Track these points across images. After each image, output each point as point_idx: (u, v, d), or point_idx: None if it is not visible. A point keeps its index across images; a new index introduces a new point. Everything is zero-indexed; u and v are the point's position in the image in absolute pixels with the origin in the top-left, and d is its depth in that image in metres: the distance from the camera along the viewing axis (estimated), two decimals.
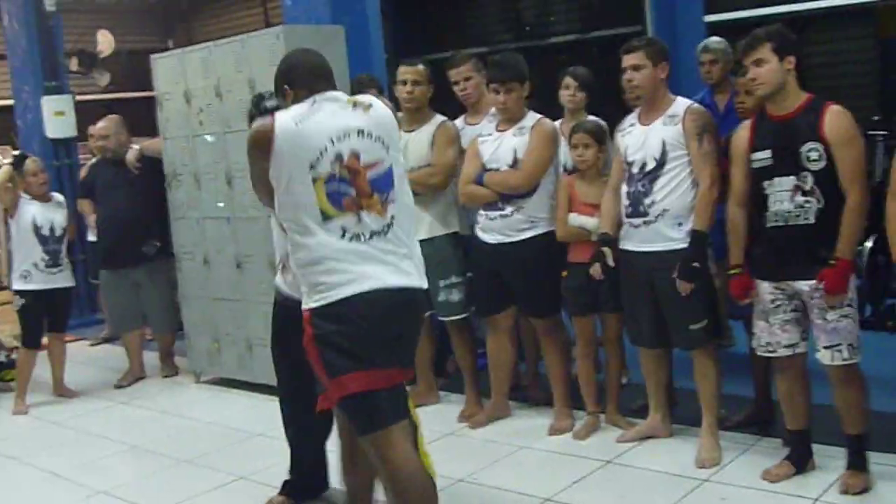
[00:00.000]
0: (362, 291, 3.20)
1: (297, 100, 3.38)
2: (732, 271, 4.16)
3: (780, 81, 3.91)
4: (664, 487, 4.21)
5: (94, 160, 7.42)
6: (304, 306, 3.28)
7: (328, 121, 3.27)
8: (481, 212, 5.03)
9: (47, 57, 9.13)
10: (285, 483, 4.39)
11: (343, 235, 3.23)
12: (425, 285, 3.42)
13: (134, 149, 6.85)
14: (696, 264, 4.29)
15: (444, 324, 5.52)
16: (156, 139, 6.80)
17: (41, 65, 9.06)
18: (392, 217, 3.31)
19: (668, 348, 4.67)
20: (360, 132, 3.29)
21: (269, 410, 5.81)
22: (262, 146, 3.26)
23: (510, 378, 5.35)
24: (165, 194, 6.67)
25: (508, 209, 4.90)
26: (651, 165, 4.40)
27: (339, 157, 3.23)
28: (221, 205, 6.21)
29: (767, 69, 3.90)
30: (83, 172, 8.28)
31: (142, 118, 7.31)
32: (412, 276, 3.34)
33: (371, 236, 3.26)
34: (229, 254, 6.26)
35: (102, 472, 5.09)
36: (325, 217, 3.24)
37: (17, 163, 6.47)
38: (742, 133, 4.12)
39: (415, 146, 5.25)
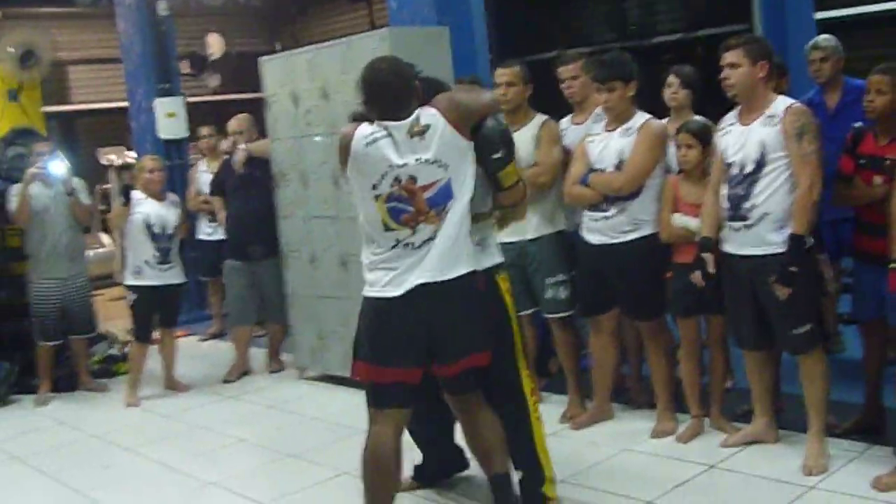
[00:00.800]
0: (391, 296, 3.65)
1: (370, 117, 3.68)
2: (892, 265, 4.00)
3: None
4: (769, 494, 4.14)
5: (226, 158, 7.53)
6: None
7: (390, 151, 3.60)
8: (586, 212, 5.02)
9: (160, 60, 9.41)
10: (416, 468, 4.53)
11: (395, 245, 3.66)
12: (462, 271, 3.69)
13: (241, 150, 6.99)
14: (794, 269, 4.19)
15: (545, 323, 5.51)
16: (263, 140, 6.95)
17: (154, 68, 9.35)
18: (446, 219, 3.65)
19: (771, 351, 4.60)
20: (418, 160, 3.61)
21: None
22: (342, 151, 3.71)
23: (613, 380, 5.32)
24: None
25: (612, 211, 4.87)
26: (750, 168, 4.30)
27: (397, 180, 3.61)
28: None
29: None
30: (193, 172, 8.53)
31: None
32: (447, 270, 3.65)
33: (421, 245, 3.65)
34: (335, 252, 6.36)
35: (211, 464, 5.23)
36: (386, 228, 3.66)
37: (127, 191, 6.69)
38: None
39: (519, 146, 5.25)
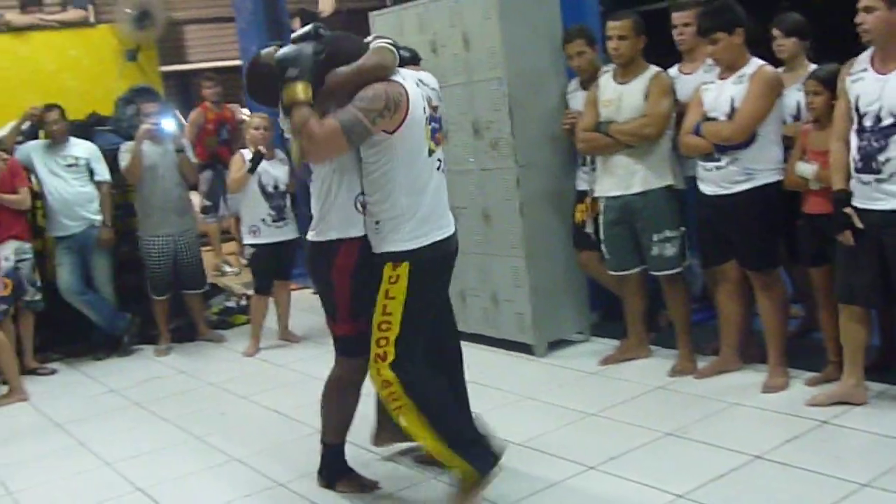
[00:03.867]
0: None
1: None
2: None
3: None
4: (883, 451, 4.03)
5: None
6: None
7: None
8: (700, 162, 4.94)
9: (271, 18, 9.48)
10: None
11: None
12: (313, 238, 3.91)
13: None
14: None
15: (655, 278, 5.45)
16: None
17: (266, 25, 9.41)
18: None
19: (878, 309, 4.41)
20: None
21: None
22: None
23: (740, 331, 5.16)
24: None
25: (724, 160, 4.78)
26: (889, 121, 4.04)
27: None
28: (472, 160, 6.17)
29: None
30: None
31: None
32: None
33: None
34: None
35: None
36: None
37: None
38: None
39: (629, 98, 5.20)
